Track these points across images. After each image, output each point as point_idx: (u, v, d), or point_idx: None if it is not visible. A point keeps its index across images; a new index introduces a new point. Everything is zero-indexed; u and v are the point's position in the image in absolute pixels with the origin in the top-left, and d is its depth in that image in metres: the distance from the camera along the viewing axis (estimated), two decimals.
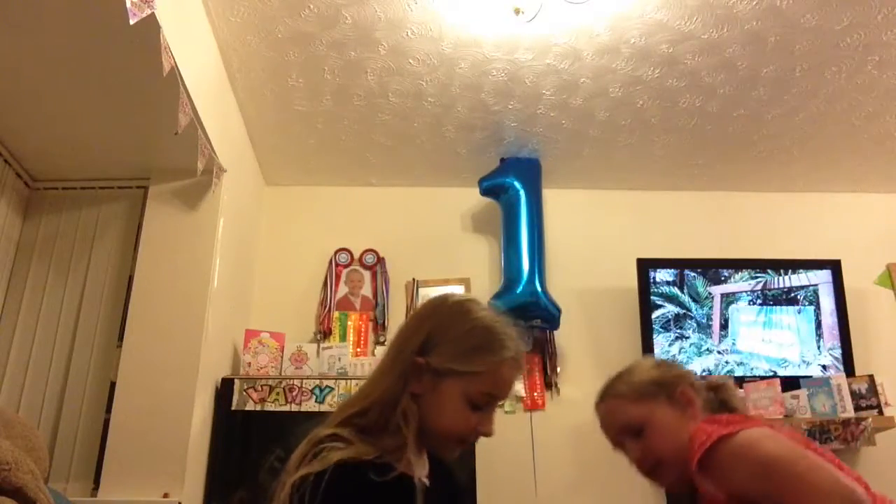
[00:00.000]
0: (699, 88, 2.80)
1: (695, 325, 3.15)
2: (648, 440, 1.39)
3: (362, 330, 3.21)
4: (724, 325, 3.15)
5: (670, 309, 3.18)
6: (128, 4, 1.62)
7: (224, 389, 2.64)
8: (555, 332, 3.20)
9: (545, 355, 3.21)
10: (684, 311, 3.17)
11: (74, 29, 1.90)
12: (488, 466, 2.74)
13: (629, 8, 2.37)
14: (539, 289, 3.04)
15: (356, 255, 3.34)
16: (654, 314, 3.16)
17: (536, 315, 3.04)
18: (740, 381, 2.95)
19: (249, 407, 2.61)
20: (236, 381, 2.66)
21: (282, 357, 2.82)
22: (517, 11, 2.27)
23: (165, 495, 2.23)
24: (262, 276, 3.29)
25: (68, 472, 2.36)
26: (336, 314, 3.22)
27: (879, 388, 2.91)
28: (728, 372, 3.04)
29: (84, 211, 2.70)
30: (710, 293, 3.19)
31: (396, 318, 3.18)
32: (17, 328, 2.52)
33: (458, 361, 1.15)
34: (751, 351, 3.11)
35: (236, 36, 2.49)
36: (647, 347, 3.13)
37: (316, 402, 2.62)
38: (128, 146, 2.52)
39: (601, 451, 3.07)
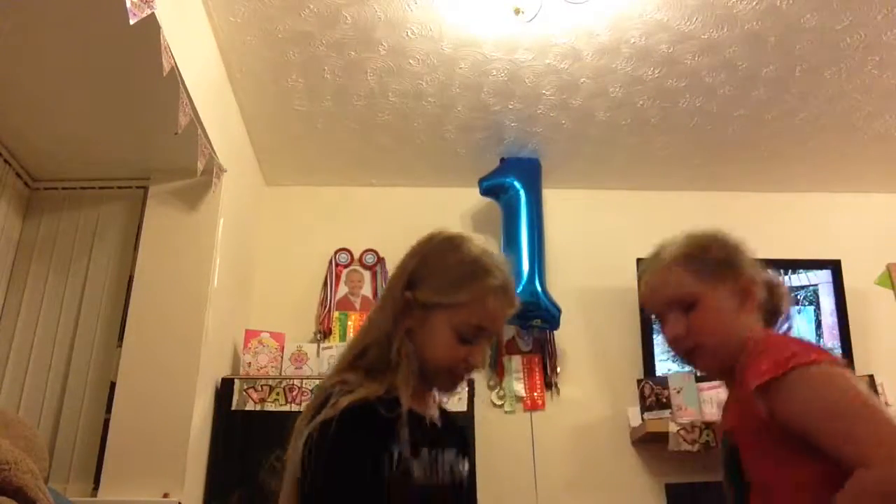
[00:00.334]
0: (699, 88, 2.80)
1: None
2: (697, 320, 1.27)
3: None
4: None
5: None
6: (128, 4, 1.63)
7: (224, 389, 2.64)
8: (555, 332, 3.20)
9: (545, 355, 3.21)
10: None
11: (74, 29, 1.90)
12: (488, 466, 2.74)
13: (629, 8, 2.37)
14: (539, 289, 3.03)
15: (356, 255, 3.34)
16: None
17: (536, 315, 3.04)
18: None
19: (249, 407, 2.61)
20: (236, 381, 2.66)
21: (282, 357, 2.82)
22: (517, 11, 2.27)
23: (165, 495, 2.23)
24: (262, 276, 3.29)
25: (68, 472, 2.36)
26: (336, 314, 3.22)
27: (879, 388, 2.91)
28: None
29: (84, 211, 2.70)
30: None
31: None
32: (17, 328, 2.52)
33: (443, 293, 1.16)
34: None
35: (236, 36, 2.49)
36: (647, 347, 3.13)
37: None
38: (128, 146, 2.52)
39: (601, 451, 3.11)
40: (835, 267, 3.21)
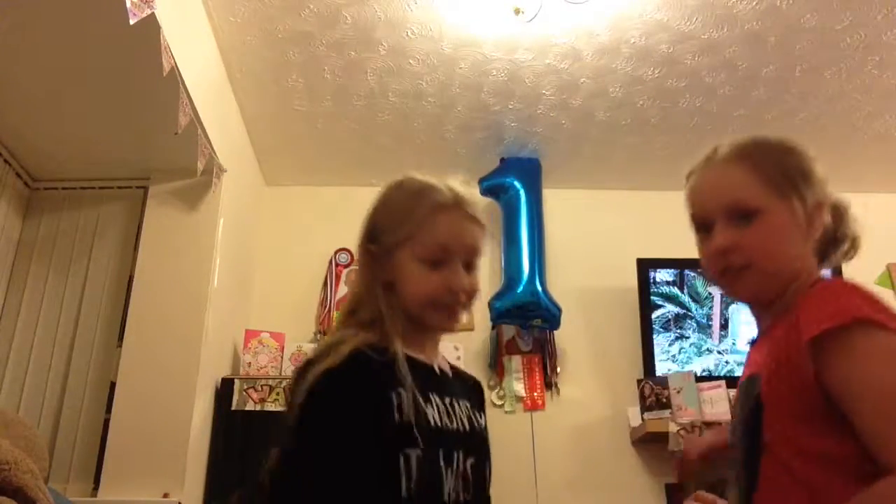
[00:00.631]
0: (699, 88, 2.80)
1: (695, 325, 3.16)
2: (755, 235, 1.06)
3: None
4: (725, 325, 3.15)
5: (670, 309, 3.18)
6: (128, 4, 1.63)
7: (224, 389, 2.64)
8: (555, 332, 3.20)
9: (545, 355, 3.20)
10: (684, 311, 3.18)
11: (74, 29, 1.90)
12: None
13: (629, 8, 2.37)
14: (539, 289, 3.04)
15: (356, 255, 3.34)
16: (654, 314, 3.16)
17: (537, 315, 3.04)
18: None
19: (249, 407, 2.61)
20: (236, 381, 2.66)
21: (282, 357, 2.82)
22: (517, 11, 2.27)
23: (165, 495, 2.23)
24: (262, 276, 3.29)
25: (68, 472, 2.36)
26: (336, 314, 3.22)
27: None
28: (728, 372, 3.04)
29: (84, 211, 2.70)
30: (710, 293, 3.19)
31: None
32: (17, 328, 2.52)
33: (396, 230, 1.15)
34: None
35: (236, 36, 2.49)
36: (647, 347, 3.13)
37: None
38: (128, 146, 2.52)
39: (601, 451, 3.11)
40: (835, 267, 3.21)
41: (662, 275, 3.21)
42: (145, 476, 2.25)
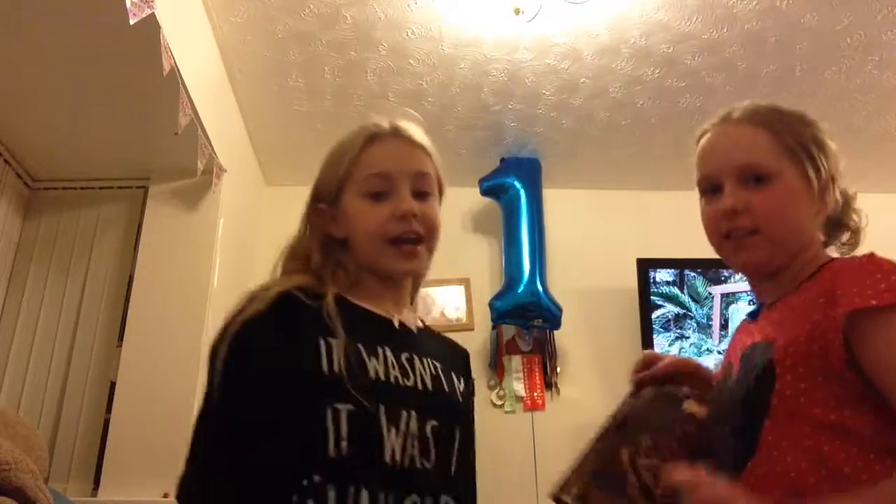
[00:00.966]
0: (699, 88, 2.80)
1: (695, 325, 3.16)
2: (767, 198, 1.02)
3: None
4: (725, 325, 3.15)
5: (670, 309, 3.18)
6: (128, 4, 1.63)
7: None
8: (555, 332, 3.20)
9: (545, 355, 3.21)
10: (684, 311, 3.18)
11: (74, 29, 1.90)
12: (489, 466, 2.73)
13: (629, 8, 2.37)
14: (540, 289, 3.04)
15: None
16: (654, 314, 3.16)
17: (538, 315, 3.04)
18: None
19: None
20: None
21: None
22: (517, 11, 2.27)
23: (165, 495, 2.23)
24: (262, 276, 3.26)
25: (68, 472, 2.36)
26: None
27: None
28: None
29: (84, 211, 2.70)
30: (710, 293, 3.19)
31: None
32: (17, 328, 2.52)
33: (336, 176, 1.08)
34: None
35: (236, 36, 2.49)
36: (647, 347, 3.12)
37: None
38: (128, 146, 2.52)
39: None
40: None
41: (662, 275, 3.21)
42: (145, 476, 2.25)
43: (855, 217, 1.12)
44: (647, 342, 3.13)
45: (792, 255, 1.03)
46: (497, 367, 3.19)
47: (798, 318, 0.96)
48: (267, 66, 2.65)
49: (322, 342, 0.93)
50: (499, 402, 3.15)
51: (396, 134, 1.09)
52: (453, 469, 1.01)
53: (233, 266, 2.84)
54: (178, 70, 2.02)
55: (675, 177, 3.45)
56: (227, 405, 0.96)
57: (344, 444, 0.89)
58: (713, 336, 3.14)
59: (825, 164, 1.05)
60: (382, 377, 0.95)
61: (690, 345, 3.13)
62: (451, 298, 3.28)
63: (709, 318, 3.17)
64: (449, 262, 3.35)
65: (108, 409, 2.38)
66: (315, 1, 2.34)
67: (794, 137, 1.06)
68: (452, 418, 1.03)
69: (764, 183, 1.03)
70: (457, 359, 1.17)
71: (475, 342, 3.17)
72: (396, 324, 1.06)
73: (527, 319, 3.06)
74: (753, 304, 1.15)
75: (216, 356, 0.97)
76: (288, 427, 0.90)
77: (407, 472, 0.93)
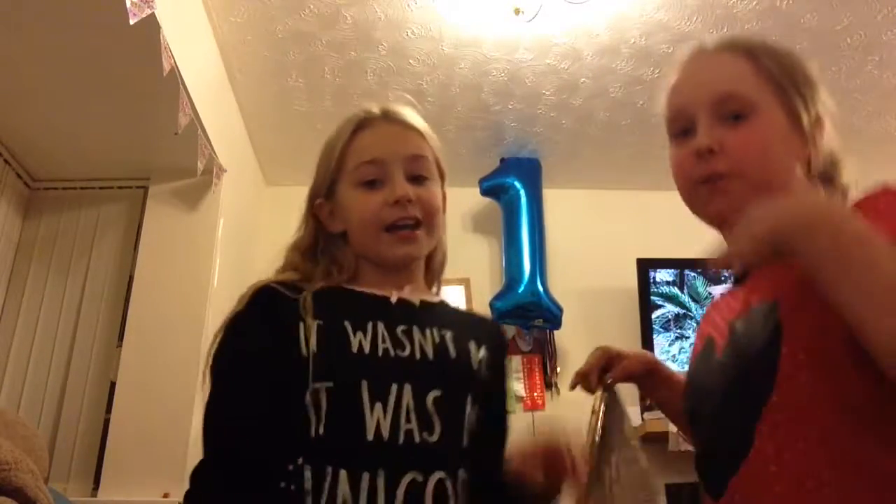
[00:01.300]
0: None
1: (695, 325, 3.15)
2: (745, 136, 0.88)
3: None
4: None
5: (670, 309, 3.18)
6: (128, 4, 1.63)
7: None
8: (555, 332, 3.20)
9: (545, 355, 3.21)
10: (684, 311, 3.17)
11: (74, 29, 1.90)
12: None
13: (629, 8, 2.37)
14: (540, 289, 3.04)
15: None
16: (654, 314, 3.16)
17: (538, 315, 3.04)
18: None
19: None
20: None
21: None
22: (517, 11, 2.27)
23: (165, 495, 2.23)
24: (262, 277, 3.28)
25: (68, 472, 2.36)
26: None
27: None
28: None
29: (84, 211, 2.70)
30: (710, 293, 3.19)
31: None
32: (17, 328, 2.52)
33: (330, 170, 1.06)
34: None
35: (236, 36, 2.49)
36: (648, 347, 3.12)
37: None
38: (128, 146, 2.52)
39: None
40: None
41: (662, 275, 3.21)
42: (145, 476, 2.25)
43: (846, 179, 0.94)
44: (647, 342, 3.13)
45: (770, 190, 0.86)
46: None
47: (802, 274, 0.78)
48: (267, 66, 2.65)
49: (301, 326, 0.93)
50: None
51: (387, 118, 1.07)
52: (465, 441, 0.98)
53: (233, 266, 2.84)
54: (178, 70, 2.02)
55: None
56: (216, 407, 1.02)
57: (322, 424, 0.89)
58: None
59: (813, 101, 0.91)
60: (367, 350, 0.93)
61: (690, 345, 3.12)
62: (451, 298, 3.25)
63: None
64: (449, 262, 3.34)
65: (108, 409, 2.38)
66: (315, 1, 2.34)
67: (777, 67, 0.91)
68: (461, 387, 0.98)
69: (743, 119, 0.88)
70: (481, 329, 1.10)
71: None
72: (394, 299, 1.02)
73: (527, 319, 3.06)
74: None
75: (209, 360, 1.03)
76: (276, 417, 0.92)
77: (401, 449, 0.89)
